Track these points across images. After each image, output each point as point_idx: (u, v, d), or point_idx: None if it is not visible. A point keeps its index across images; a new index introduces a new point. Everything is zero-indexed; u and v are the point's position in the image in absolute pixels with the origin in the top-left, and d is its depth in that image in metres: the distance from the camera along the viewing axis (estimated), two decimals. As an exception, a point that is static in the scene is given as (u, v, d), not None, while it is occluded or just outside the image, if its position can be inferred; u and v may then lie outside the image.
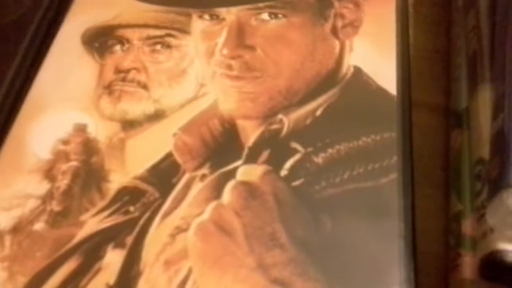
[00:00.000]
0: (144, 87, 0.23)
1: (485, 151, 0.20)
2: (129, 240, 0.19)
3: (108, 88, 0.23)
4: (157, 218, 0.20)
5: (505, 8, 0.21)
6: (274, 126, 0.22)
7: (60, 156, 0.21)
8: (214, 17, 0.25)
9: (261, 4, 0.26)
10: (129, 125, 0.22)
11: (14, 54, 0.24)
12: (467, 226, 0.20)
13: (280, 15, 0.25)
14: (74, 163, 0.21)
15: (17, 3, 0.26)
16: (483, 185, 0.19)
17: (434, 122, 0.26)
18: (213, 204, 0.20)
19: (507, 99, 0.19)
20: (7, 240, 0.19)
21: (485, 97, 0.20)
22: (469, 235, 0.19)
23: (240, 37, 0.24)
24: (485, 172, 0.19)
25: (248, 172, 0.21)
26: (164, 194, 0.20)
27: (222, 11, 0.25)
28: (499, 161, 0.18)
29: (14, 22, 0.25)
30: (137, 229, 0.19)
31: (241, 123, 0.22)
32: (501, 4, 0.22)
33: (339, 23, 0.25)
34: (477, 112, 0.21)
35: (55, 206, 0.20)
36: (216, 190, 0.20)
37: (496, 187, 0.17)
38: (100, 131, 0.22)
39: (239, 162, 0.21)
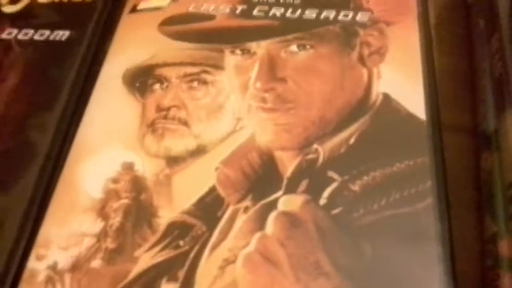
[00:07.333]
0: (185, 123, 0.24)
1: (517, 174, 0.20)
2: (181, 273, 0.20)
3: (152, 126, 0.24)
4: (206, 251, 0.21)
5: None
6: (310, 156, 0.23)
7: (111, 194, 0.22)
8: (246, 52, 0.26)
9: (289, 36, 0.27)
10: (173, 161, 0.23)
11: (57, 96, 0.25)
12: (504, 247, 0.20)
13: (308, 46, 0.26)
14: (125, 201, 0.22)
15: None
16: (518, 208, 0.20)
17: (462, 143, 0.26)
18: (257, 235, 0.21)
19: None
20: (67, 278, 0.20)
21: (514, 122, 0.21)
22: (506, 257, 0.20)
23: (271, 70, 0.26)
24: (519, 196, 0.20)
25: (289, 202, 0.22)
26: (211, 227, 0.21)
27: (253, 45, 0.26)
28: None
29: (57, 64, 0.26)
30: (188, 262, 0.20)
31: (278, 154, 0.23)
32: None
33: (366, 51, 0.26)
34: (506, 136, 0.22)
35: (109, 244, 0.21)
36: (260, 222, 0.21)
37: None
38: (147, 168, 0.23)
39: (279, 193, 0.22)
